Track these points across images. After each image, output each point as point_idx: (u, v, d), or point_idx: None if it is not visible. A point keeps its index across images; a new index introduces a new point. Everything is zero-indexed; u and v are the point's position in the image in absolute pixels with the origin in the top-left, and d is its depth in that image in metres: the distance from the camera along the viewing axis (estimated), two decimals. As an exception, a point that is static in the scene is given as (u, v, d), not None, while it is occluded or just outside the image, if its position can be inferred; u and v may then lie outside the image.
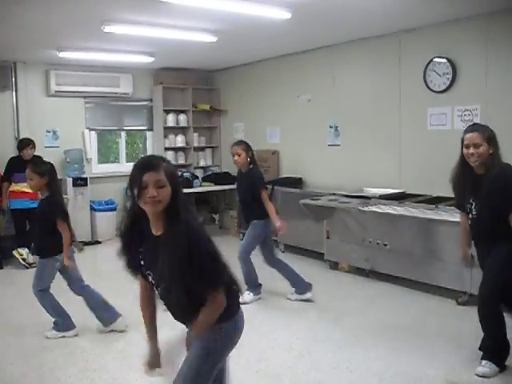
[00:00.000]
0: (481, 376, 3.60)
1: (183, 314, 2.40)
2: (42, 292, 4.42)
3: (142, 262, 2.34)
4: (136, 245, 2.33)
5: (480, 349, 3.75)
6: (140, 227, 2.31)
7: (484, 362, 3.66)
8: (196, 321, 2.29)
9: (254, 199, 5.22)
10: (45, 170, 4.35)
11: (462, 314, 4.82)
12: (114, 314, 4.58)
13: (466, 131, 3.64)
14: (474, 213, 3.67)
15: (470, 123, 5.41)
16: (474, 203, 3.66)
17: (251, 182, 5.27)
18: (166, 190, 2.20)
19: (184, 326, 2.45)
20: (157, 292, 2.40)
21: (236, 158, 5.29)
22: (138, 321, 4.75)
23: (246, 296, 5.24)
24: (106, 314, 4.56)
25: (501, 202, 3.52)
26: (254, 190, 5.21)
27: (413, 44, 6.19)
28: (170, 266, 2.17)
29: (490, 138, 3.55)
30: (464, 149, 3.58)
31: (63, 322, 4.48)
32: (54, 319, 4.50)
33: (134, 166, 2.27)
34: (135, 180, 2.20)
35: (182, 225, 2.19)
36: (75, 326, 4.52)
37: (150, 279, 2.35)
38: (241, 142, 5.41)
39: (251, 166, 5.33)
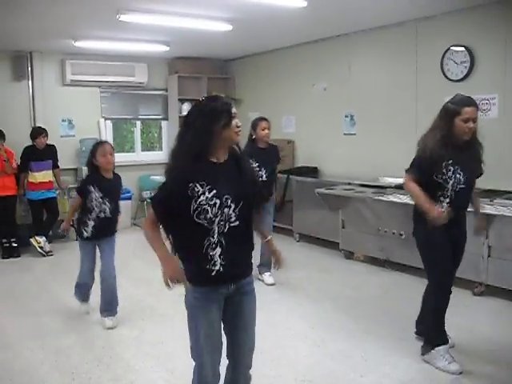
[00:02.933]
0: None
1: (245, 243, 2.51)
2: None
3: (211, 190, 2.36)
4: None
5: None
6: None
7: None
8: None
9: (275, 175, 5.26)
10: None
11: (477, 304, 4.79)
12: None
13: (465, 104, 3.49)
14: (461, 184, 3.51)
15: (488, 113, 5.40)
16: (461, 173, 3.50)
17: (277, 156, 5.35)
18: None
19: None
20: (225, 224, 2.38)
21: (268, 131, 5.33)
22: (152, 309, 4.84)
23: (268, 277, 5.33)
24: None
25: (479, 166, 3.64)
26: (276, 166, 5.24)
27: (430, 32, 6.10)
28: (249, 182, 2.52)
29: None
30: (462, 122, 3.43)
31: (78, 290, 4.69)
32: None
33: (219, 100, 2.54)
34: (222, 113, 2.50)
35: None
36: (84, 301, 4.72)
37: (225, 202, 2.37)
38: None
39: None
